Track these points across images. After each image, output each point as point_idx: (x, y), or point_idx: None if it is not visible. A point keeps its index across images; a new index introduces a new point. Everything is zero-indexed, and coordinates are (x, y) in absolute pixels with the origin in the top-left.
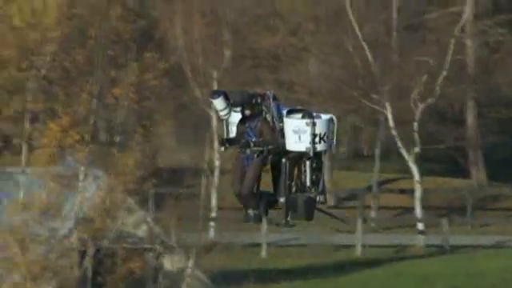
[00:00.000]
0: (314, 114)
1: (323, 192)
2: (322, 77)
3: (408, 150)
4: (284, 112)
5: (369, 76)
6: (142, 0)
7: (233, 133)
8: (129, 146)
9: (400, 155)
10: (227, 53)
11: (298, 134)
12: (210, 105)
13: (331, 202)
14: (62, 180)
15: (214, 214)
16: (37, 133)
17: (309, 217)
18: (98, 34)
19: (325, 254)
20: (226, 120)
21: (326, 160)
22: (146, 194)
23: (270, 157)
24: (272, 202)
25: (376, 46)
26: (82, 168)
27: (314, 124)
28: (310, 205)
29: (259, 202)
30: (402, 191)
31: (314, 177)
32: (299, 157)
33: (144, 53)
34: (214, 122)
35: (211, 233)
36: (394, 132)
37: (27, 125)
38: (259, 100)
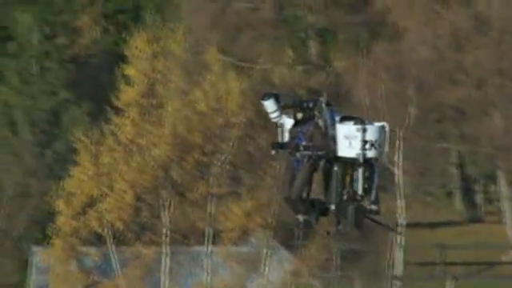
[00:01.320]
0: (367, 121)
1: (376, 202)
2: (508, 131)
3: None
4: (337, 118)
5: None
6: (325, 56)
7: (286, 138)
8: (314, 230)
9: None
10: (412, 110)
11: (348, 140)
12: (261, 107)
13: None
14: (245, 262)
15: (398, 272)
16: (221, 216)
17: (358, 225)
18: None
19: None
20: (281, 124)
21: (378, 169)
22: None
23: (320, 162)
24: (323, 210)
25: None
26: (266, 250)
27: (364, 130)
28: (360, 213)
29: (310, 209)
30: None
31: (366, 185)
32: (351, 164)
33: None
34: (399, 178)
35: None
36: None
37: (211, 208)
38: (311, 105)
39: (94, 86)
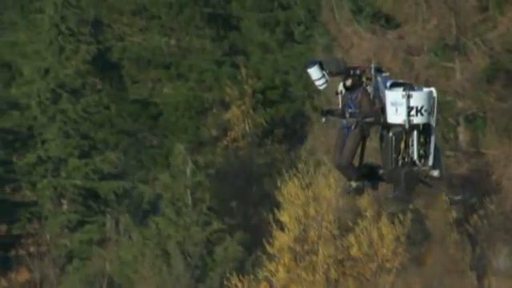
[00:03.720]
0: (416, 87)
1: (436, 166)
2: None
3: None
4: (388, 84)
5: None
6: (475, 142)
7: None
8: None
9: None
10: None
11: (395, 106)
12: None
13: None
14: None
15: None
16: None
17: (410, 190)
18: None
19: None
20: (341, 91)
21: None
22: None
23: (369, 129)
24: (379, 175)
25: None
26: None
27: (409, 96)
28: (411, 178)
29: (362, 175)
30: None
31: (421, 151)
32: (405, 130)
33: None
34: None
35: None
36: None
37: None
38: (358, 72)
39: (246, 212)
